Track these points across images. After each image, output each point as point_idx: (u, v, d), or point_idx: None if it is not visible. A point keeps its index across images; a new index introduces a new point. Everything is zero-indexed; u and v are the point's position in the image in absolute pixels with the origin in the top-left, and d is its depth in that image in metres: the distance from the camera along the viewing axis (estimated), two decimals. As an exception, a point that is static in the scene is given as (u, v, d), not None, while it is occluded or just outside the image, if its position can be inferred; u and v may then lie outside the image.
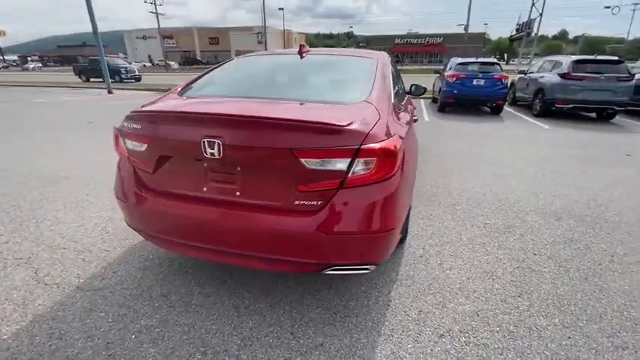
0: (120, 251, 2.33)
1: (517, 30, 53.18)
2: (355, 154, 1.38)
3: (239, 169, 1.51)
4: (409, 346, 1.58)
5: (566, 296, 1.93)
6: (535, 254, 2.37)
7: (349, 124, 1.40)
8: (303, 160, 1.38)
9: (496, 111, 8.85)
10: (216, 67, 2.45)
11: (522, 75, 10.09)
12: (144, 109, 1.69)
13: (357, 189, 1.44)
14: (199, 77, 2.29)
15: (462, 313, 1.79)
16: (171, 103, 1.85)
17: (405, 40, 68.75)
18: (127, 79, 19.89)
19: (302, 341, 1.60)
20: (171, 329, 1.66)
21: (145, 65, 53.79)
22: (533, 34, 39.61)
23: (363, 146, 1.38)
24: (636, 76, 7.73)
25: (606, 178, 3.99)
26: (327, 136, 1.39)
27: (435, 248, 2.42)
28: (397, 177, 1.51)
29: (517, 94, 10.12)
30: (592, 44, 72.00)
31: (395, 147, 1.45)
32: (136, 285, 1.98)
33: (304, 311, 1.80)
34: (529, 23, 46.71)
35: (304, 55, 2.44)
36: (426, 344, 1.59)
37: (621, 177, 4.03)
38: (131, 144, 1.67)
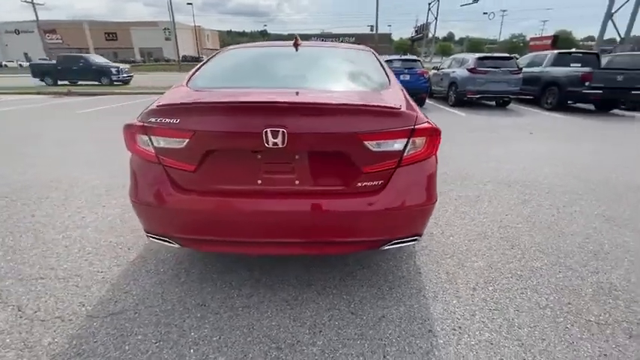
0: (118, 270, 2.04)
1: (416, 32, 59.88)
2: (410, 134, 1.51)
3: (297, 157, 1.50)
4: (454, 302, 1.80)
5: (543, 242, 2.40)
6: (506, 215, 2.85)
7: (402, 107, 1.53)
8: (366, 143, 1.46)
9: (420, 103, 9.93)
10: (209, 60, 2.31)
11: (436, 71, 11.54)
12: (185, 101, 1.54)
13: (410, 167, 1.58)
14: (197, 70, 2.13)
15: (479, 268, 2.09)
16: (205, 95, 1.70)
17: (321, 39, 71.09)
18: (118, 80, 16.42)
19: (365, 317, 1.68)
20: (231, 334, 1.56)
21: (21, 65, 44.63)
22: (430, 36, 45.12)
23: (416, 126, 1.52)
24: (523, 70, 9.55)
25: (524, 151, 4.92)
26: (388, 119, 1.49)
27: (432, 220, 2.72)
28: (435, 155, 1.69)
29: (433, 88, 11.50)
30: (474, 45, 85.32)
31: (436, 127, 1.63)
32: (161, 300, 1.79)
33: (352, 292, 1.87)
34: (426, 26, 53.04)
35: (299, 47, 2.46)
36: (466, 298, 1.83)
37: (534, 150, 5.01)
38: (163, 141, 1.50)
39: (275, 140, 1.41)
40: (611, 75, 8.30)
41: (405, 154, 1.54)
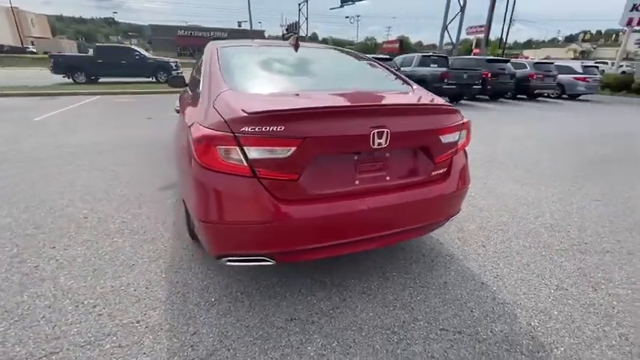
0: (156, 315, 1.69)
1: (287, 30, 62.13)
2: (462, 127, 1.84)
3: (388, 155, 1.63)
4: (505, 270, 2.18)
5: (551, 197, 3.18)
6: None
7: (452, 105, 1.84)
8: (440, 137, 1.72)
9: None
10: (220, 62, 2.07)
11: None
12: (290, 106, 1.42)
13: (459, 154, 1.92)
14: (222, 74, 1.91)
15: (520, 232, 2.64)
16: (290, 99, 1.64)
17: (189, 32, 65.36)
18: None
19: (434, 284, 1.96)
20: (344, 335, 1.59)
21: None
22: (303, 34, 47.67)
23: (463, 120, 1.86)
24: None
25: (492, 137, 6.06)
26: (451, 115, 1.78)
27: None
28: None
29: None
30: (338, 45, 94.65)
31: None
32: (246, 330, 1.61)
33: (410, 270, 2.11)
34: (297, 25, 55.61)
35: (299, 48, 2.46)
36: (513, 267, 2.31)
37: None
38: (262, 151, 1.38)
39: (380, 141, 1.51)
40: (460, 74, 10.84)
41: (458, 143, 1.86)
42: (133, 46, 16.35)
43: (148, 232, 2.43)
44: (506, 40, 26.38)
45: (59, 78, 13.41)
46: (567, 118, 9.01)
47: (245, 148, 1.37)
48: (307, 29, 38.59)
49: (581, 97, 14.11)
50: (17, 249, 2.17)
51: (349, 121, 1.50)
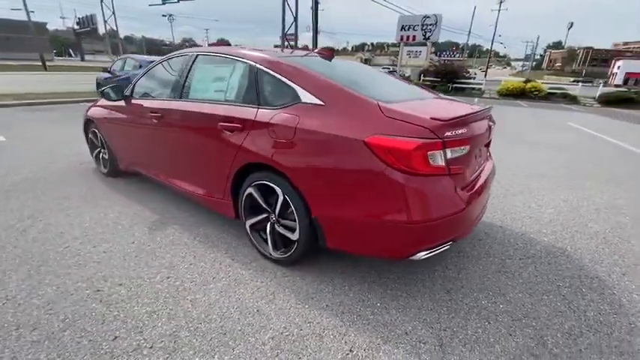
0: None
1: (79, 24, 50.17)
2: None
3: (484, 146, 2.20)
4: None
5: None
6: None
7: None
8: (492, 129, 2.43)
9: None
10: (312, 70, 2.03)
11: (108, 74, 9.41)
12: (458, 114, 1.71)
13: None
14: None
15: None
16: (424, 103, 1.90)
17: None
18: None
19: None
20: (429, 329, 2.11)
21: None
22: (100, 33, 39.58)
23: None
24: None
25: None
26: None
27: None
28: None
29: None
30: (150, 44, 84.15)
31: None
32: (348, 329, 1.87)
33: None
34: (93, 19, 45.69)
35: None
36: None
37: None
38: (454, 151, 1.66)
39: (490, 135, 2.07)
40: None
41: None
42: None
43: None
44: (314, 47, 30.81)
45: None
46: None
47: (446, 150, 1.61)
48: (117, 25, 32.41)
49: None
50: None
51: (482, 121, 1.96)
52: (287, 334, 1.60)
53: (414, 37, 24.80)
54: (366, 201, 1.67)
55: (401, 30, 25.14)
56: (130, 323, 1.64)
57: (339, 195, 1.74)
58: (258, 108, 2.02)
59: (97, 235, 2.46)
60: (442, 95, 2.58)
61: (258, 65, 2.11)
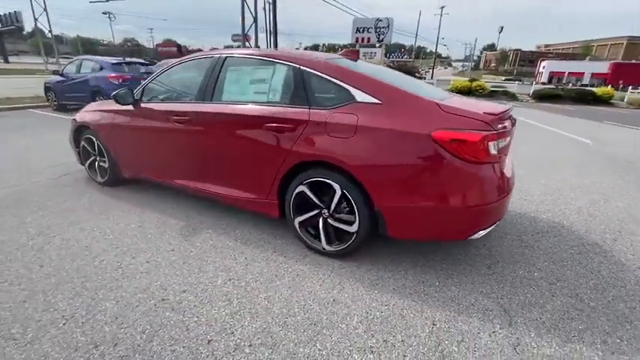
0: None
1: (0, 22, 44.35)
2: None
3: None
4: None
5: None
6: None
7: None
8: None
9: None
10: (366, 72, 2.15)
11: (60, 77, 8.55)
12: (501, 110, 1.93)
13: None
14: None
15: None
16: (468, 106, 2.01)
17: None
18: None
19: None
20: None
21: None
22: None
23: None
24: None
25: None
26: None
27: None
28: None
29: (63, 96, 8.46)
30: (87, 44, 76.98)
31: None
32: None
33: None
34: (16, 16, 40.64)
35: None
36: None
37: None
38: (502, 141, 1.86)
39: (513, 128, 2.33)
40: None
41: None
42: None
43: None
44: (275, 47, 30.67)
45: None
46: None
47: (498, 141, 1.81)
48: (49, 23, 28.97)
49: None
50: None
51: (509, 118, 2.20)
52: (372, 317, 1.71)
53: (369, 38, 25.71)
54: (432, 189, 1.84)
55: (356, 32, 25.93)
56: (216, 326, 1.63)
57: (403, 186, 1.89)
58: (310, 108, 2.09)
59: (130, 246, 2.34)
60: (456, 95, 2.85)
61: (303, 68, 2.17)
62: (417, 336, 1.60)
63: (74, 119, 3.52)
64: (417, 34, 48.02)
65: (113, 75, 7.84)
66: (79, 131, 3.48)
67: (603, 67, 44.62)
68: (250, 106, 2.32)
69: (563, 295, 1.92)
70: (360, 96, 1.99)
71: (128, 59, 8.71)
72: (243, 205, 2.52)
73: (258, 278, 2.02)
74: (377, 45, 24.94)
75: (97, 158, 3.43)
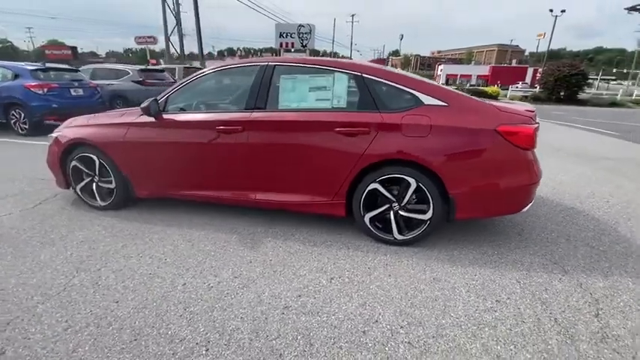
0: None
1: None
2: None
3: None
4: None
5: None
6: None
7: None
8: None
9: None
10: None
11: None
12: (533, 109, 2.37)
13: None
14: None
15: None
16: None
17: None
18: None
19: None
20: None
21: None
22: None
23: None
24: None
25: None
26: None
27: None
28: None
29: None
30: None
31: None
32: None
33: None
34: None
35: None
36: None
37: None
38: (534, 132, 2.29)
39: None
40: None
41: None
42: None
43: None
44: (200, 51, 28.81)
45: None
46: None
47: (537, 132, 2.24)
48: None
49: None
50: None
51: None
52: (472, 286, 2.02)
53: (293, 43, 26.31)
54: (497, 173, 2.24)
55: (280, 37, 26.25)
56: (358, 318, 1.73)
57: (474, 173, 2.24)
58: (380, 112, 2.30)
59: (199, 265, 2.20)
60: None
61: (366, 75, 2.37)
62: (514, 292, 1.96)
63: (56, 138, 3.02)
64: (333, 40, 50.68)
65: (33, 84, 6.61)
66: (68, 151, 2.99)
67: (485, 70, 53.91)
68: (317, 112, 2.41)
69: (605, 260, 2.36)
70: (427, 100, 2.29)
71: (49, 64, 7.39)
72: (308, 209, 2.58)
73: (355, 274, 2.14)
74: (304, 50, 25.65)
75: (95, 178, 3.01)
